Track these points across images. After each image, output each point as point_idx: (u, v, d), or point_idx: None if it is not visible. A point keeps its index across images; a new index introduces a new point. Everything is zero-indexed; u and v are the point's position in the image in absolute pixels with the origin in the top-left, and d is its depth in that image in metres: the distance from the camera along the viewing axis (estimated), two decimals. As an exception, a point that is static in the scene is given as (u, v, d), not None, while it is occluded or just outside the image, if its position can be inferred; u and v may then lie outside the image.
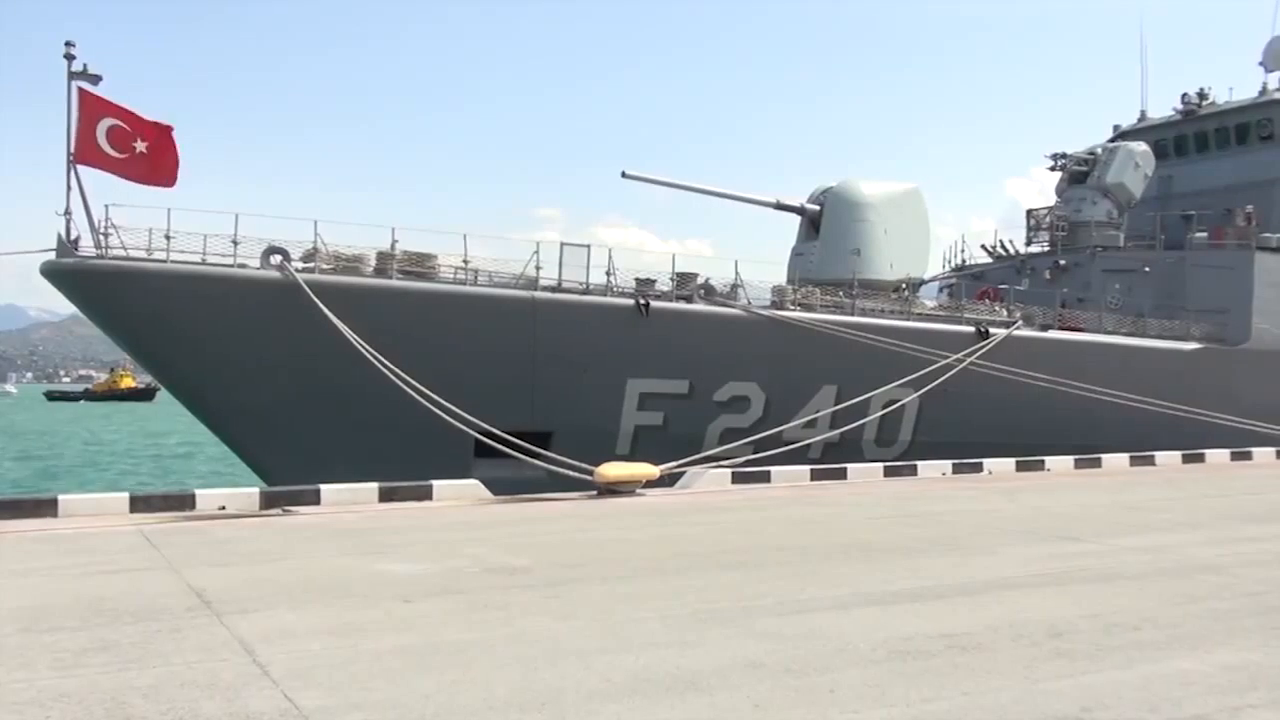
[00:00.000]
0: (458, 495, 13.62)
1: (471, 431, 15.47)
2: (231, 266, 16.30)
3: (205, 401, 17.24)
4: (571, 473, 14.74)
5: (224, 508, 12.01)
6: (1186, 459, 20.21)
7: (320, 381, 16.25)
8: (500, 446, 15.36)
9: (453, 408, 15.23)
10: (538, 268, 17.87)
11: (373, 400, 15.68)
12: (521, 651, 5.87)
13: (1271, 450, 21.44)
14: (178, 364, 16.79)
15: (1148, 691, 5.10)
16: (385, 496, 13.01)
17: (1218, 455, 20.60)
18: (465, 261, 17.69)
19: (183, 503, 12.04)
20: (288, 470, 15.42)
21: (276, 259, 16.42)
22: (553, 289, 18.10)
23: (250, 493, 12.58)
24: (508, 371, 17.21)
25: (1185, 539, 10.45)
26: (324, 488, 12.70)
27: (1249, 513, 12.95)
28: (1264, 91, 30.81)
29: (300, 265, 16.65)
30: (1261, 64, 31.94)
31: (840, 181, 23.04)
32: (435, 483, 13.45)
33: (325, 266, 16.89)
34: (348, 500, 12.72)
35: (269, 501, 12.36)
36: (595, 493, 14.46)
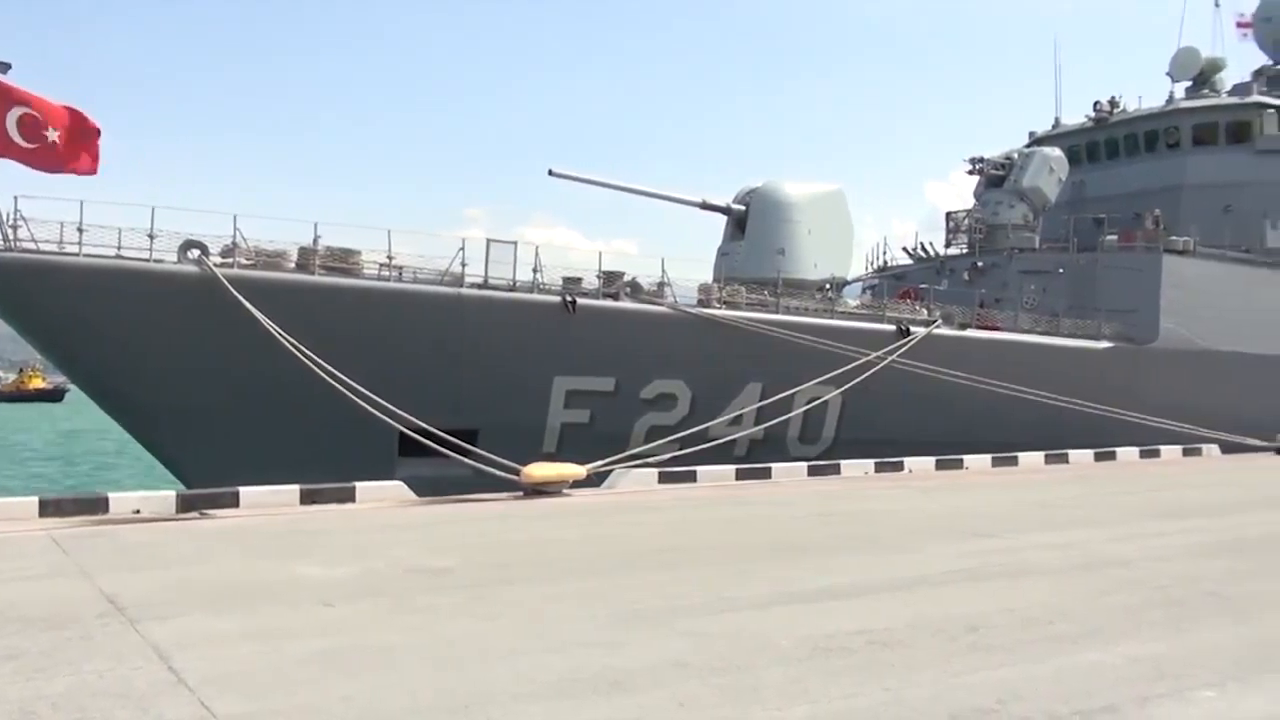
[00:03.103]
0: (381, 496, 13.46)
1: (398, 426, 15.29)
2: (148, 261, 15.88)
3: (120, 401, 16.77)
4: (497, 472, 14.66)
5: (139, 511, 11.68)
6: (1098, 457, 20.81)
7: (240, 379, 15.92)
8: (426, 442, 15.21)
9: (379, 401, 15.05)
10: (463, 265, 17.73)
11: (295, 398, 15.41)
12: (446, 653, 5.83)
13: (1178, 448, 22.18)
14: (91, 362, 16.31)
15: (1060, 683, 5.25)
16: (307, 498, 12.79)
17: (1127, 453, 21.25)
18: (390, 258, 17.48)
19: (95, 506, 11.67)
20: (206, 472, 15.08)
21: (194, 254, 16.03)
22: (479, 286, 17.98)
23: (166, 495, 12.26)
24: (433, 369, 17.05)
25: (1096, 535, 10.77)
26: (243, 490, 12.44)
27: (1155, 509, 13.40)
28: (1171, 101, 31.81)
29: (219, 260, 16.29)
30: (1169, 74, 33.01)
31: (765, 182, 23.25)
32: (358, 484, 13.28)
33: (245, 262, 16.55)
34: (268, 502, 12.48)
35: (186, 504, 12.06)
36: (521, 493, 14.40)
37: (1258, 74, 34.50)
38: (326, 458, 14.45)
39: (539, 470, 14.58)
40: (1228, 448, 23.02)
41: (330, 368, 15.06)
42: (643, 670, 5.49)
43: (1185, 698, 5.03)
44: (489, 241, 18.20)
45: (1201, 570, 8.64)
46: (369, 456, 15.07)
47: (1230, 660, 5.73)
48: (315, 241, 17.01)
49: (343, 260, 17.28)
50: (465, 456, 15.15)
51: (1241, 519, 12.21)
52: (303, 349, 15.14)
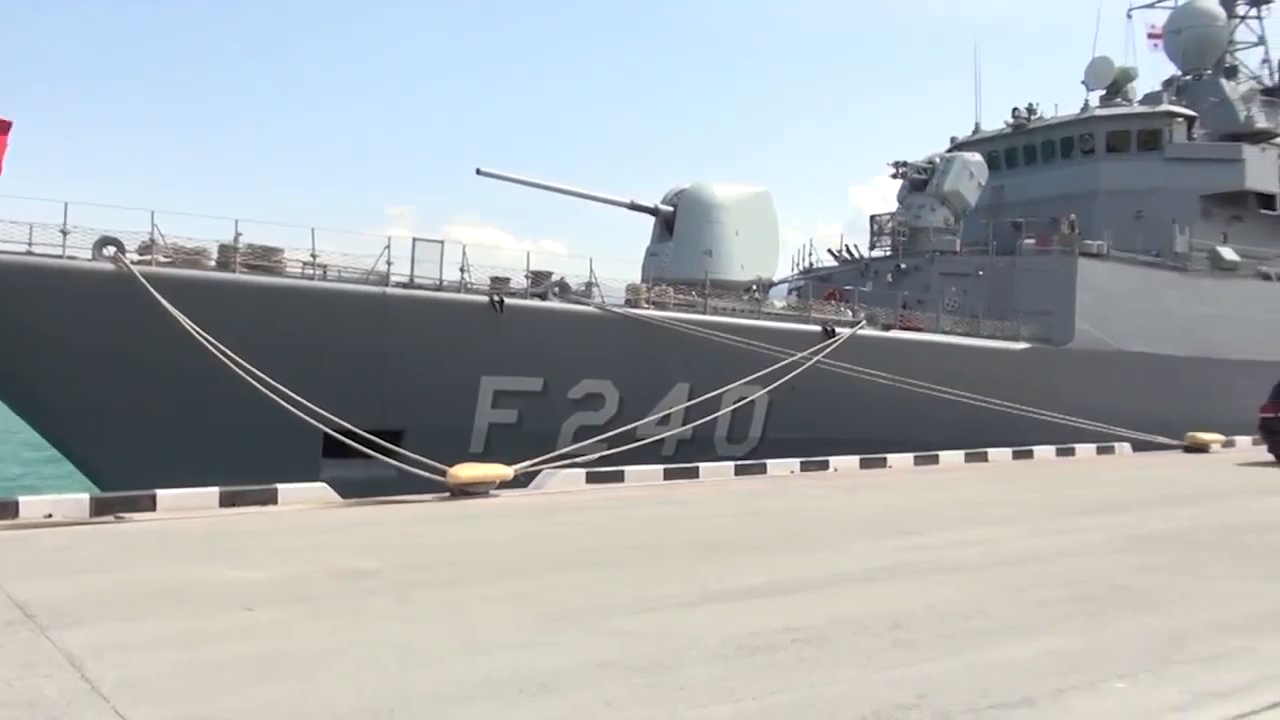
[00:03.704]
0: (304, 498, 13.24)
1: (322, 427, 15.07)
2: (60, 258, 15.41)
3: (32, 401, 16.25)
4: (423, 473, 14.53)
5: (51, 515, 11.34)
6: (1017, 455, 21.33)
7: (158, 379, 15.54)
8: (351, 443, 15.01)
9: (302, 401, 14.81)
10: (389, 263, 17.54)
11: (215, 398, 15.10)
12: (370, 657, 5.76)
13: (1092, 446, 22.82)
14: (1, 362, 15.78)
15: (979, 678, 5.37)
16: (227, 501, 12.54)
17: (1045, 451, 21.81)
18: (313, 256, 17.21)
19: (4, 510, 11.29)
20: (122, 474, 14.68)
21: (110, 251, 15.62)
22: (405, 286, 17.80)
23: (80, 499, 11.91)
24: (358, 369, 16.83)
25: (1013, 531, 11.03)
26: (161, 493, 12.15)
27: (1071, 506, 13.77)
28: (1086, 108, 32.75)
29: (136, 258, 15.88)
30: (1084, 83, 33.98)
31: (693, 183, 23.39)
32: (280, 486, 13.05)
33: (163, 259, 16.17)
34: (187, 505, 12.20)
35: (101, 508, 11.73)
36: (448, 494, 14.29)
37: (1167, 84, 35.65)
38: (248, 459, 14.17)
39: (465, 471, 14.49)
40: (1138, 446, 23.74)
41: (251, 368, 14.78)
42: (569, 671, 5.48)
43: (1098, 689, 5.18)
44: (415, 240, 18.05)
45: (1114, 565, 8.90)
46: (292, 458, 14.82)
47: (1141, 652, 5.90)
48: (236, 239, 16.69)
49: (265, 258, 16.98)
50: (391, 457, 15.00)
51: (1151, 515, 12.60)
52: (223, 349, 14.84)
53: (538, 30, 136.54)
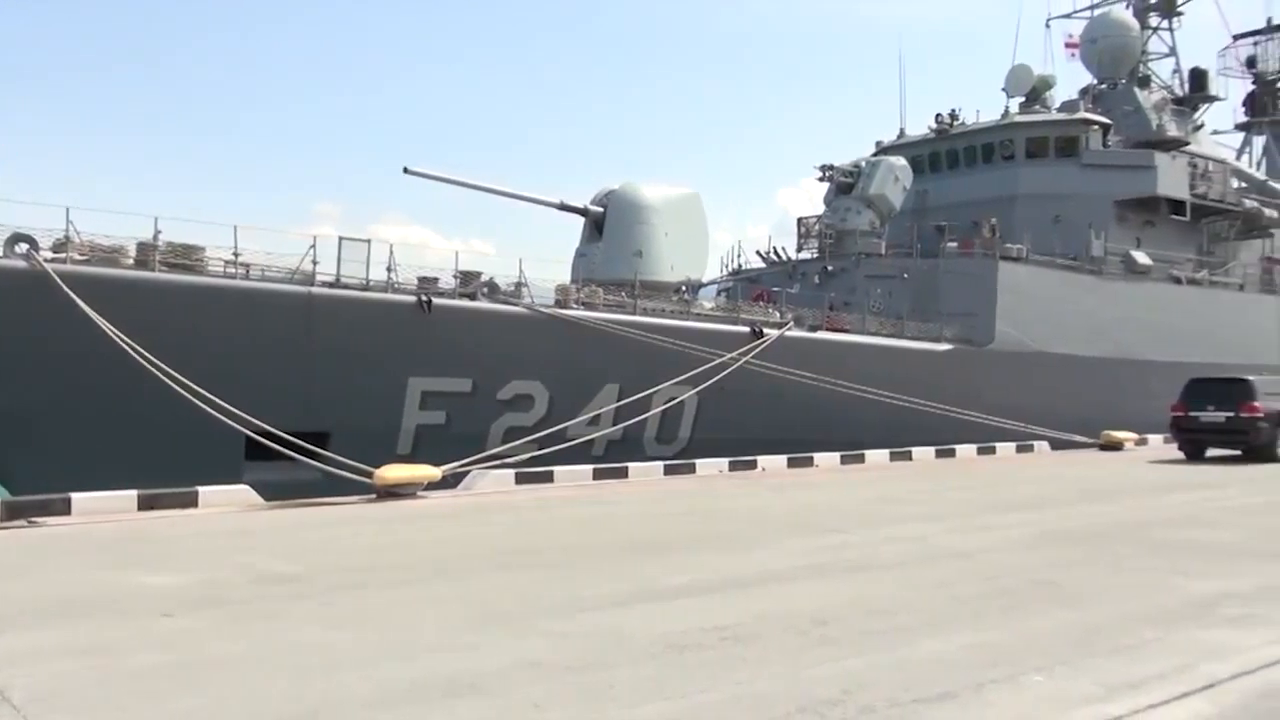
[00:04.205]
0: (226, 501, 12.99)
1: (244, 430, 14.78)
2: (-32, 255, 14.90)
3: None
4: (350, 475, 14.33)
5: (-43, 519, 10.97)
6: (940, 454, 21.76)
7: (73, 379, 15.09)
8: (274, 446, 14.75)
9: (224, 404, 14.51)
10: (314, 263, 17.25)
11: (133, 399, 14.71)
12: (293, 663, 5.67)
13: (1012, 445, 23.36)
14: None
15: (903, 672, 5.46)
16: (145, 504, 12.25)
17: (966, 450, 22.28)
18: (236, 255, 16.86)
19: (-92, 515, 10.91)
20: (35, 477, 14.22)
21: (23, 248, 15.12)
22: (331, 285, 17.53)
23: (-11, 502, 11.55)
24: (282, 369, 16.53)
25: (936, 529, 11.24)
26: (76, 496, 11.82)
27: (992, 503, 14.08)
28: (1006, 115, 33.49)
29: (50, 255, 15.40)
30: (1005, 90, 34.74)
31: (622, 184, 23.41)
32: (201, 488, 12.77)
33: (79, 257, 15.70)
34: (103, 509, 11.89)
35: (12, 512, 11.37)
36: (375, 496, 14.13)
37: (1084, 92, 36.63)
38: (168, 463, 13.84)
39: (392, 472, 14.34)
40: (1056, 444, 24.37)
41: (170, 369, 14.44)
42: (498, 672, 5.45)
43: (1017, 683, 5.29)
44: (341, 239, 17.78)
45: (1033, 561, 9.12)
46: (213, 461, 14.49)
47: (1058, 645, 6.05)
48: (155, 237, 16.27)
49: (185, 257, 16.59)
50: (316, 460, 14.77)
51: (1068, 511, 12.93)
52: (140, 350, 14.47)
53: (467, 29, 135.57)
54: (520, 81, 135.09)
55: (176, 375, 14.43)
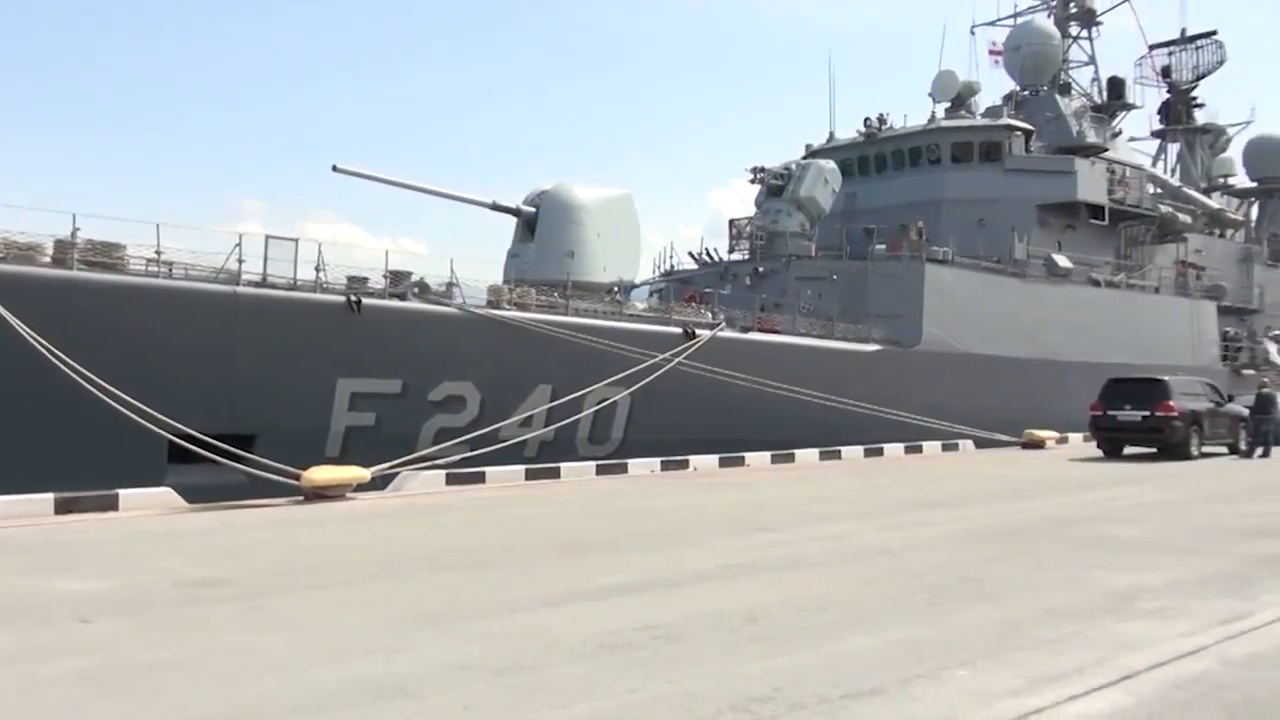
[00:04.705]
0: (147, 504, 12.70)
1: (165, 434, 14.45)
2: (-127, 252, 14.35)
3: None
4: (276, 477, 14.09)
5: None
6: (868, 453, 22.09)
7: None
8: (197, 449, 14.44)
9: (143, 408, 14.16)
10: (240, 261, 16.91)
11: (50, 401, 14.28)
12: (218, 668, 5.56)
13: (938, 444, 23.79)
14: None
15: (832, 669, 5.53)
16: (63, 507, 11.91)
17: (894, 449, 22.64)
18: (158, 253, 16.45)
19: None
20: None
21: (-69, 245, 14.61)
22: (257, 285, 17.20)
23: (-104, 508, 11.14)
24: (206, 371, 16.18)
25: (864, 526, 11.41)
26: (-12, 500, 11.45)
27: (918, 501, 14.32)
28: (933, 120, 34.11)
29: (-40, 253, 14.90)
30: (931, 95, 35.37)
31: (555, 185, 23.37)
32: (121, 491, 12.45)
33: (-8, 255, 15.21)
34: (18, 512, 11.53)
35: (-81, 517, 10.98)
36: (302, 498, 13.91)
37: (1007, 98, 37.43)
38: (86, 467, 13.45)
39: (320, 473, 14.14)
40: (981, 443, 24.87)
41: (87, 371, 14.05)
42: (427, 674, 5.41)
43: (941, 677, 5.39)
44: (268, 238, 17.45)
45: (958, 557, 9.30)
46: (134, 465, 14.13)
47: (982, 640, 6.18)
48: (74, 234, 15.81)
49: (105, 255, 16.14)
50: (241, 463, 14.49)
51: (992, 509, 13.21)
52: (56, 351, 14.05)
53: (400, 27, 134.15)
54: (452, 81, 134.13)
55: (92, 377, 14.04)
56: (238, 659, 5.75)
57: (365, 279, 18.54)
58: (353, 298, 17.77)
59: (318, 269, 17.74)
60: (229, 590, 7.72)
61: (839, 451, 21.64)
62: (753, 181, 30.20)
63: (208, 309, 16.51)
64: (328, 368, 17.41)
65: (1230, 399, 23.98)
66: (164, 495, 13.11)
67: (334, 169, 20.90)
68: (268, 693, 5.11)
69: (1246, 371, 35.75)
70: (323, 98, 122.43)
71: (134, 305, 15.86)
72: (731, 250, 30.60)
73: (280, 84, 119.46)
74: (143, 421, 14.17)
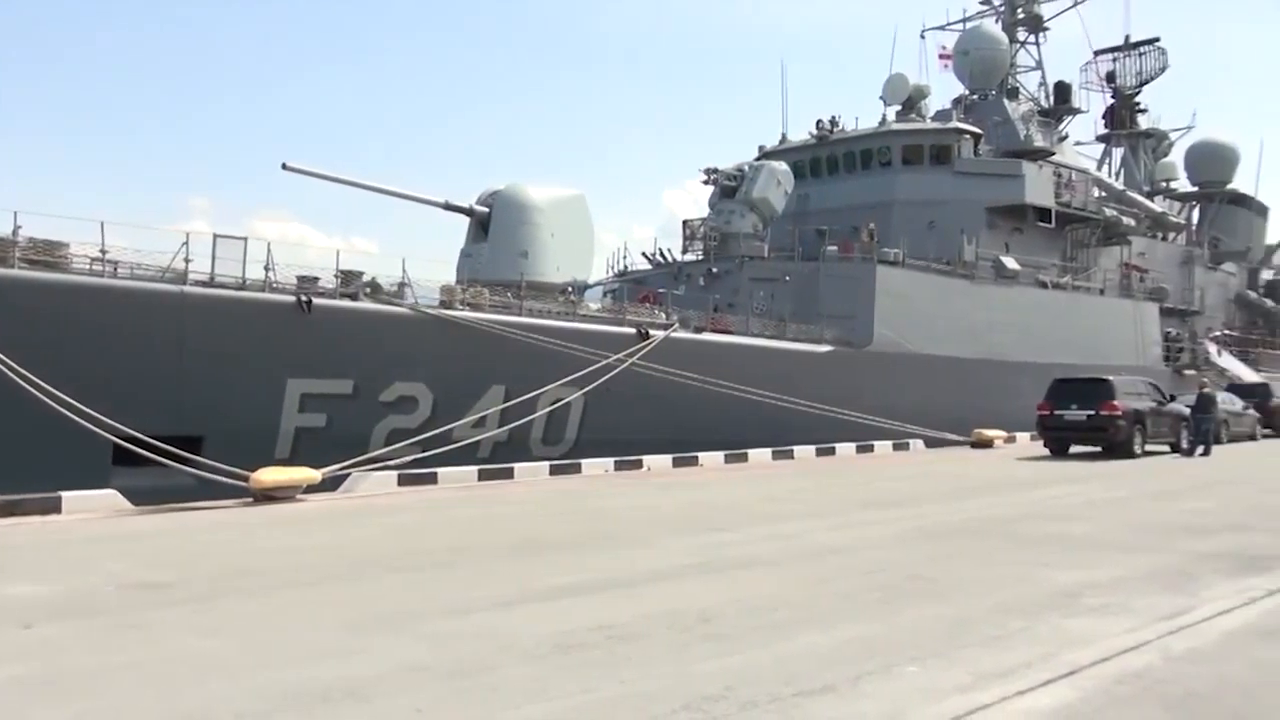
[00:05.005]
0: (91, 507, 12.47)
1: (109, 436, 14.19)
2: None
3: None
4: (224, 479, 13.90)
5: None
6: (820, 452, 22.26)
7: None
8: (143, 451, 14.20)
9: (84, 409, 13.89)
10: (187, 260, 16.66)
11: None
12: (163, 673, 5.47)
13: (889, 443, 24.03)
14: None
15: (783, 667, 5.56)
16: (4, 510, 11.66)
17: (846, 448, 22.84)
18: (103, 252, 16.16)
19: None
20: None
21: None
22: (205, 284, 16.95)
23: None
24: (152, 371, 15.92)
25: (817, 525, 11.49)
26: (-75, 503, 11.17)
27: (869, 500, 14.45)
28: (884, 122, 34.48)
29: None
30: (882, 98, 35.75)
31: (508, 184, 23.28)
32: (65, 494, 12.21)
33: (-71, 253, 14.84)
34: (-44, 517, 11.27)
35: None
36: (251, 500, 13.73)
37: (956, 102, 37.96)
38: (29, 470, 13.17)
39: (269, 475, 13.98)
40: (931, 442, 25.16)
41: (26, 372, 13.75)
42: (380, 677, 5.36)
43: (892, 674, 5.45)
44: (216, 237, 17.21)
45: (908, 555, 9.39)
46: (77, 467, 13.86)
47: (932, 637, 6.25)
48: (15, 232, 15.47)
49: (48, 253, 15.82)
50: (188, 465, 14.27)
51: (941, 507, 13.35)
52: None
53: (352, 25, 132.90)
54: (405, 80, 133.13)
55: (31, 378, 13.76)
56: (183, 664, 5.66)
57: (316, 279, 18.35)
58: (303, 297, 17.59)
59: (267, 268, 17.53)
60: (174, 594, 7.60)
61: (791, 451, 21.79)
62: (706, 182, 30.31)
63: (154, 309, 16.24)
64: (277, 368, 17.20)
65: (1172, 399, 24.47)
66: (109, 498, 12.88)
67: (284, 167, 20.67)
68: (213, 698, 5.03)
69: (1188, 372, 36.54)
70: (271, 95, 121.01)
71: (78, 305, 15.56)
72: (685, 251, 30.70)
73: (226, 80, 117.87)
74: (86, 423, 13.91)
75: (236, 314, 17.01)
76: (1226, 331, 44.32)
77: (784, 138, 35.45)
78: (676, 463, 19.59)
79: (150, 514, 12.41)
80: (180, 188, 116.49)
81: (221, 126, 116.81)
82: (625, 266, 31.69)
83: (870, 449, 23.44)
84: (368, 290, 19.00)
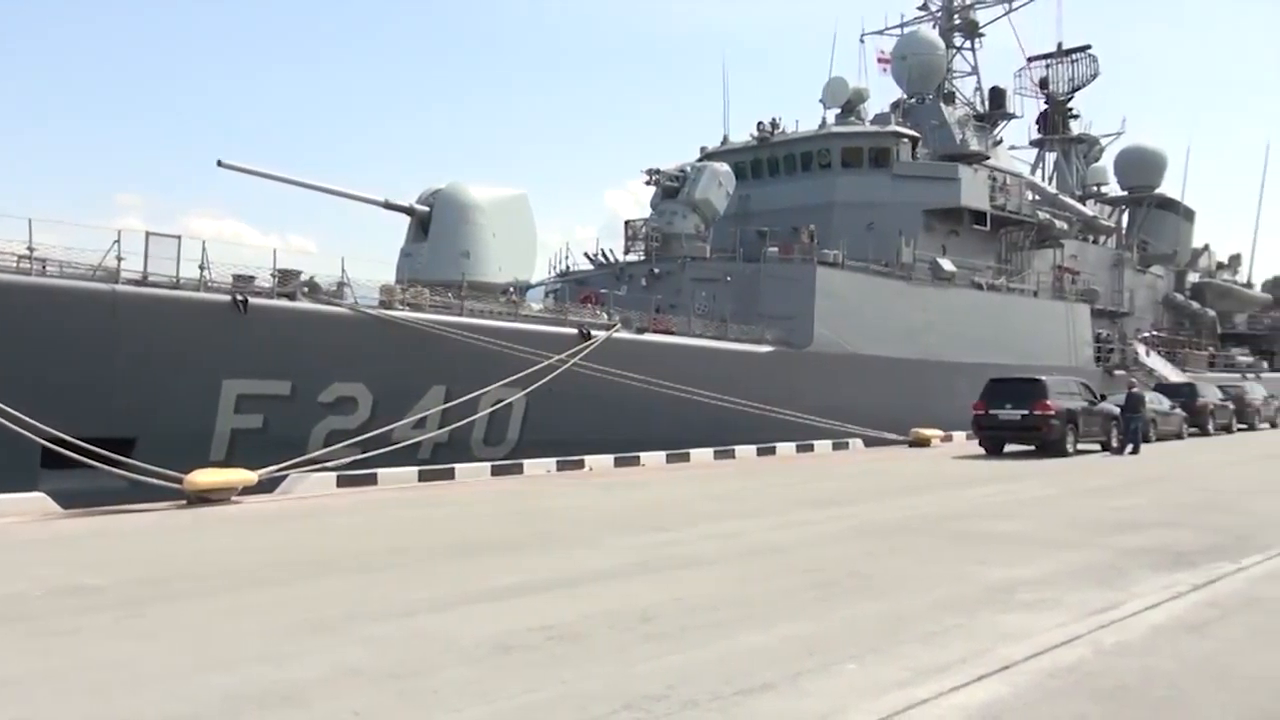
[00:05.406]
0: (19, 510, 12.15)
1: (37, 439, 13.83)
2: None
3: None
4: (157, 481, 13.63)
5: None
6: (761, 452, 22.42)
7: None
8: (73, 454, 13.86)
9: (12, 412, 13.53)
10: (119, 258, 16.29)
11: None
12: (95, 679, 5.35)
13: (829, 442, 24.27)
14: None
15: (724, 666, 5.59)
16: (-76, 516, 11.31)
17: (786, 448, 23.03)
18: (30, 250, 15.74)
19: None
20: None
21: None
22: (137, 283, 16.59)
23: None
24: (82, 372, 15.54)
25: (757, 524, 11.57)
26: None
27: (809, 499, 14.59)
28: (824, 125, 34.82)
29: None
30: (822, 101, 36.09)
31: (449, 184, 23.09)
32: (-10, 497, 11.89)
33: None
34: (-126, 522, 10.92)
35: None
36: (185, 502, 13.48)
37: (895, 106, 38.46)
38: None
39: (204, 477, 13.74)
40: (870, 441, 25.45)
41: None
42: (316, 681, 5.30)
43: (831, 671, 5.51)
44: (149, 234, 16.85)
45: (847, 553, 9.50)
46: (4, 470, 13.49)
47: (870, 634, 6.33)
48: (-64, 228, 15.04)
49: (-29, 251, 15.38)
50: (120, 467, 13.97)
51: (879, 505, 13.53)
52: None
53: (289, 21, 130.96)
54: (346, 78, 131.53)
55: None
56: (113, 670, 5.54)
57: (252, 277, 18.05)
58: (239, 297, 17.29)
59: (202, 267, 17.21)
60: (105, 598, 7.44)
61: (733, 451, 21.92)
62: (648, 183, 30.34)
63: (84, 308, 15.87)
64: (212, 369, 16.90)
65: (1103, 398, 25.04)
66: (37, 501, 12.56)
67: (219, 164, 20.28)
68: (145, 704, 4.94)
69: (1118, 372, 37.40)
70: (206, 90, 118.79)
71: (5, 304, 15.14)
72: (627, 251, 30.70)
73: (158, 74, 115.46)
74: (13, 426, 13.55)
75: (170, 314, 16.68)
76: (1154, 333, 45.49)
77: (726, 139, 35.63)
78: (618, 463, 19.60)
79: (80, 517, 12.13)
80: (110, 184, 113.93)
81: (153, 121, 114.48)
82: (567, 267, 31.63)
83: (810, 448, 23.65)
84: (306, 290, 18.74)
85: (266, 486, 14.82)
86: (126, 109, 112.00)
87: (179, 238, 17.15)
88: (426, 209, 22.66)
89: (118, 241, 16.35)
